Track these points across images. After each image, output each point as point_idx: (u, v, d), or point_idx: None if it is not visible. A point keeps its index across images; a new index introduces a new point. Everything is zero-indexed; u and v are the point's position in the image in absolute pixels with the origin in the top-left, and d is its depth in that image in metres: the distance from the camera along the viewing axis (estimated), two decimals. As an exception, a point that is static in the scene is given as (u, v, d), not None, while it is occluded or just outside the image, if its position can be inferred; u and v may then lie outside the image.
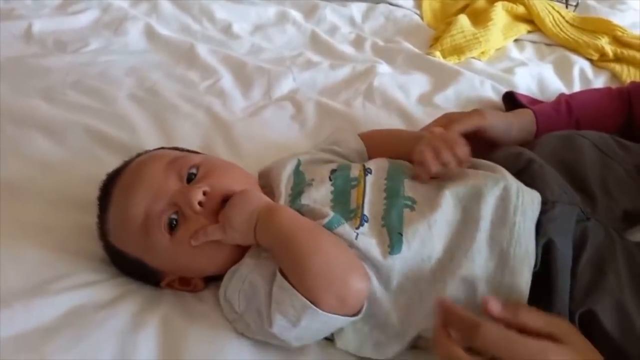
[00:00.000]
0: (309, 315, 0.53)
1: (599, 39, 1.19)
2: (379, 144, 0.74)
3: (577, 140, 0.74)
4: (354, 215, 0.60)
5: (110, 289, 0.63)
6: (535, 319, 0.50)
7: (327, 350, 0.59)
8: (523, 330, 0.49)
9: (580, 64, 1.16)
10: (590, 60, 1.18)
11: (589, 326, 0.56)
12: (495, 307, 0.50)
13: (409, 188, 0.63)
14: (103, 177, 0.67)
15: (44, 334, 0.56)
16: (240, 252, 0.61)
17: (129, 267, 0.65)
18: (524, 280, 0.57)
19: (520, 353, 0.47)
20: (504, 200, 0.59)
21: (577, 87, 1.09)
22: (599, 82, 1.12)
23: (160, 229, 0.60)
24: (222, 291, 0.60)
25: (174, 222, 0.60)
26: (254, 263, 0.59)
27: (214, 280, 0.64)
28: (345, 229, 0.58)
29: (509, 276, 0.57)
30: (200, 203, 0.59)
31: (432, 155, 0.63)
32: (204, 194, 0.60)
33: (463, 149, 0.63)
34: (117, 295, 0.62)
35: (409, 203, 0.61)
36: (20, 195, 0.73)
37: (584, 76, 1.14)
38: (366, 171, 0.65)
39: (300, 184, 0.66)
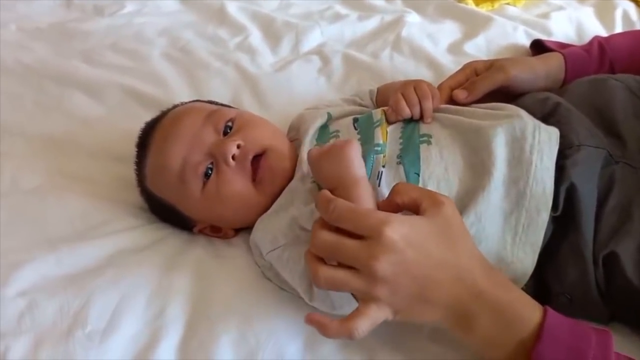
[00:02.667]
0: (351, 304, 0.51)
1: (646, -23, 1.12)
2: (384, 95, 0.74)
3: (609, 84, 0.70)
4: (381, 151, 0.61)
5: (149, 233, 0.67)
6: (407, 191, 0.50)
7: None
8: (396, 203, 0.50)
9: (624, 6, 1.10)
10: (635, 2, 1.12)
11: (611, 269, 0.55)
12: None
13: (425, 127, 0.64)
14: (139, 130, 0.70)
15: (90, 274, 0.61)
16: (268, 203, 0.63)
17: (164, 212, 0.68)
18: (541, 220, 0.56)
19: (348, 256, 0.47)
20: (519, 139, 0.59)
21: (618, 31, 1.03)
22: (644, 25, 1.06)
23: (195, 178, 0.63)
24: (253, 238, 0.63)
25: (209, 172, 0.63)
26: (292, 234, 0.58)
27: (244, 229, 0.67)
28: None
29: (526, 216, 0.56)
30: (233, 157, 0.62)
31: (400, 101, 0.64)
32: (238, 147, 0.62)
33: (428, 103, 0.65)
34: (155, 240, 0.67)
35: (425, 138, 0.62)
36: (63, 149, 0.78)
37: (627, 19, 1.08)
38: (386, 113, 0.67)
39: (324, 135, 0.67)
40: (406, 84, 0.68)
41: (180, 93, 0.87)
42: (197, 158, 0.63)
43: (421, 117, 0.65)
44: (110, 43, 0.99)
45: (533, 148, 0.58)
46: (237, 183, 0.63)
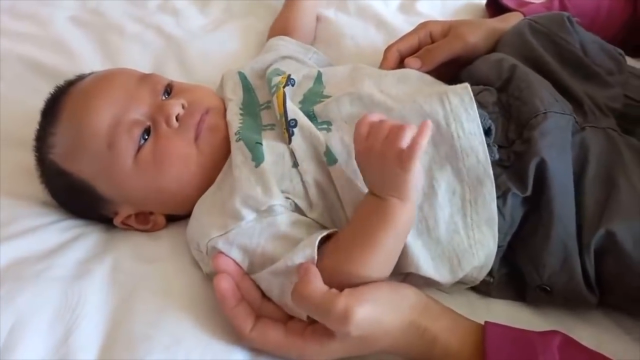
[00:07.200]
0: None
1: None
2: None
3: (523, 29, 0.64)
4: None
5: (53, 234, 0.58)
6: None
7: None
8: None
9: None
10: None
11: (606, 251, 0.50)
12: None
13: (320, 108, 0.56)
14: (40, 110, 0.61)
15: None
16: (209, 169, 0.56)
17: (73, 196, 0.58)
18: (487, 191, 0.51)
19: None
20: (429, 114, 0.52)
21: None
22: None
23: (129, 141, 0.55)
24: (189, 230, 0.55)
25: (145, 137, 0.55)
26: (254, 219, 0.50)
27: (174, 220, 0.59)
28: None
29: (470, 192, 0.51)
30: (177, 118, 0.56)
31: None
32: (183, 107, 0.56)
33: None
34: (62, 242, 0.57)
35: (325, 126, 0.55)
36: (-56, 136, 0.66)
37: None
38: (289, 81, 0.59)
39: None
40: None
41: (91, 63, 0.77)
42: (133, 117, 0.55)
43: None
44: (6, 6, 0.87)
45: (448, 118, 0.52)
46: (178, 144, 0.55)
